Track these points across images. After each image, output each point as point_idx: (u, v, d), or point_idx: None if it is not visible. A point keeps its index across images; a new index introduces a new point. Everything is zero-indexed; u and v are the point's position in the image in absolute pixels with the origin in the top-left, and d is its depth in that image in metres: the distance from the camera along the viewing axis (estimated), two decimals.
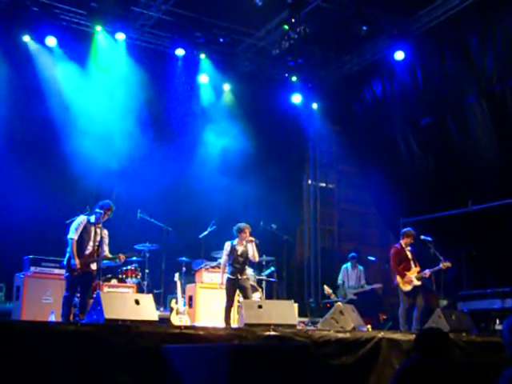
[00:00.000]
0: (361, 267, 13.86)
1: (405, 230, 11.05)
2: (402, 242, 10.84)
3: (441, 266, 10.57)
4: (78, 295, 8.95)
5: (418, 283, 10.59)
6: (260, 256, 10.78)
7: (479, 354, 7.90)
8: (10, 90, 12.21)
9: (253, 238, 9.93)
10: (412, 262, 10.76)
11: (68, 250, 8.81)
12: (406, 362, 4.33)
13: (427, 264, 10.85)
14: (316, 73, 15.64)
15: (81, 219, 8.99)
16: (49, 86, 12.77)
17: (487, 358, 7.68)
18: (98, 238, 8.94)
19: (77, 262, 8.65)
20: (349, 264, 13.88)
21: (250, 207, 13.38)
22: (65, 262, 8.85)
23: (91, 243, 8.87)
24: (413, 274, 10.65)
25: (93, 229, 8.94)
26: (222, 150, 14.11)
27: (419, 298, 10.54)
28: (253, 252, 9.92)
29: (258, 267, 12.31)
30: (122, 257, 9.26)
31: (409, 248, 10.84)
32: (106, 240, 9.09)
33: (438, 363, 4.19)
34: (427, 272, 10.61)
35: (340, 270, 14.05)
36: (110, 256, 9.18)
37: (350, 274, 13.74)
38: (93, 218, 8.99)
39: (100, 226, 9.00)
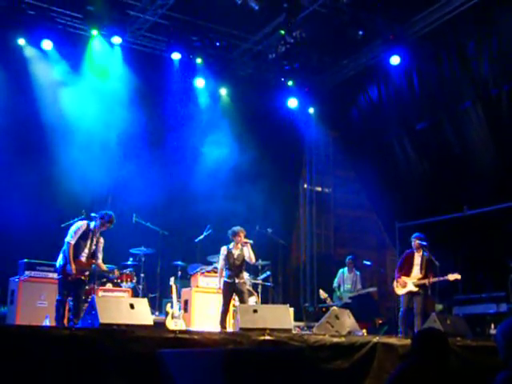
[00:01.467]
0: (357, 272, 13.81)
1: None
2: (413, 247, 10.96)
3: (447, 277, 10.42)
4: (72, 299, 8.94)
5: (414, 289, 10.59)
6: (256, 259, 10.79)
7: (474, 359, 7.89)
8: (4, 94, 12.18)
9: (247, 240, 9.96)
10: (417, 268, 10.71)
11: (62, 251, 8.80)
12: (399, 367, 4.29)
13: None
14: (312, 77, 15.65)
15: (81, 224, 8.99)
16: (44, 90, 12.74)
17: (482, 362, 7.67)
18: (94, 246, 8.95)
19: (73, 267, 8.64)
20: (345, 268, 13.82)
21: (246, 211, 13.36)
22: (57, 265, 8.82)
23: (87, 250, 8.88)
24: (412, 279, 10.68)
25: (90, 235, 8.94)
26: (218, 154, 14.09)
27: (416, 304, 10.53)
28: (249, 254, 9.95)
29: (254, 271, 12.30)
30: (117, 272, 9.75)
31: (421, 253, 10.78)
32: (101, 247, 9.10)
33: (433, 367, 4.14)
34: (429, 280, 10.51)
35: (336, 274, 14.03)
36: (105, 269, 9.29)
37: (346, 278, 13.69)
38: (92, 224, 8.99)
39: (97, 233, 9.01)
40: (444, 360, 4.21)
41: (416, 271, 10.70)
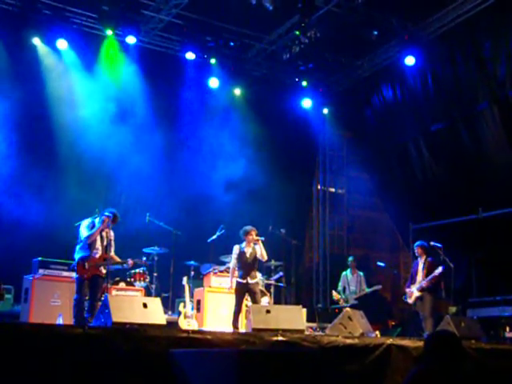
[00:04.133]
0: (361, 273, 13.68)
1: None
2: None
3: (434, 273, 10.68)
4: (87, 297, 8.95)
5: (417, 294, 10.91)
6: (269, 260, 10.77)
7: (488, 362, 7.82)
8: (19, 93, 12.23)
9: (258, 238, 9.95)
10: (420, 274, 11.02)
11: (76, 251, 8.84)
12: (413, 370, 4.23)
13: None
14: (326, 78, 15.63)
15: (87, 223, 8.97)
16: (58, 89, 12.80)
17: (496, 365, 7.61)
18: (106, 242, 8.96)
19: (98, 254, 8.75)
20: (348, 270, 13.72)
21: (259, 211, 13.35)
22: (73, 264, 8.87)
23: (98, 246, 8.89)
24: (415, 286, 11.02)
25: (98, 232, 8.95)
26: (232, 154, 14.09)
27: (422, 307, 10.87)
28: (260, 251, 9.94)
29: (267, 272, 12.29)
30: (131, 262, 9.39)
31: (425, 259, 11.01)
32: (112, 241, 9.11)
33: (447, 370, 4.08)
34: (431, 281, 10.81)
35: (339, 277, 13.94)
36: (118, 260, 9.25)
37: (350, 280, 13.58)
38: (97, 221, 8.99)
39: (107, 229, 9.02)
40: (458, 363, 4.15)
41: (420, 277, 11.03)
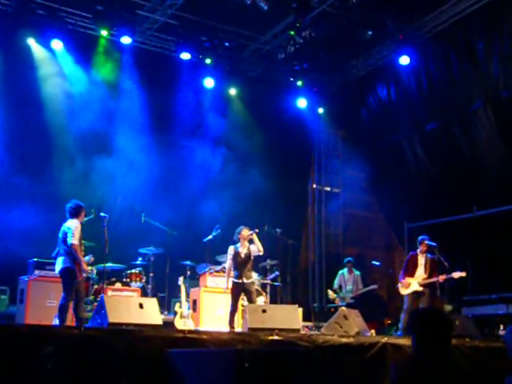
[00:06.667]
0: (357, 272, 13.71)
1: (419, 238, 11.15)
2: (419, 249, 10.98)
3: (452, 275, 10.49)
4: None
5: (418, 289, 10.71)
6: (264, 259, 10.78)
7: (483, 360, 7.87)
8: (13, 94, 12.23)
9: (252, 231, 9.99)
10: (421, 268, 10.82)
11: (67, 254, 8.70)
12: (402, 365, 4.18)
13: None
14: (321, 77, 15.64)
15: (76, 223, 8.83)
16: (53, 89, 12.79)
17: (491, 363, 7.65)
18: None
19: (87, 268, 8.67)
20: (345, 269, 13.78)
21: (255, 211, 13.37)
22: (62, 267, 8.64)
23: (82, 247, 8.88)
24: (416, 279, 10.73)
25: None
26: (227, 153, 14.11)
27: (422, 304, 10.62)
28: (257, 247, 9.96)
29: (263, 271, 12.31)
30: (92, 259, 9.37)
31: (426, 255, 10.88)
32: None
33: (437, 364, 3.99)
34: (438, 279, 10.60)
35: (336, 275, 13.99)
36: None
37: (346, 279, 13.64)
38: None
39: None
40: (444, 343, 3.96)
41: (420, 271, 10.84)
